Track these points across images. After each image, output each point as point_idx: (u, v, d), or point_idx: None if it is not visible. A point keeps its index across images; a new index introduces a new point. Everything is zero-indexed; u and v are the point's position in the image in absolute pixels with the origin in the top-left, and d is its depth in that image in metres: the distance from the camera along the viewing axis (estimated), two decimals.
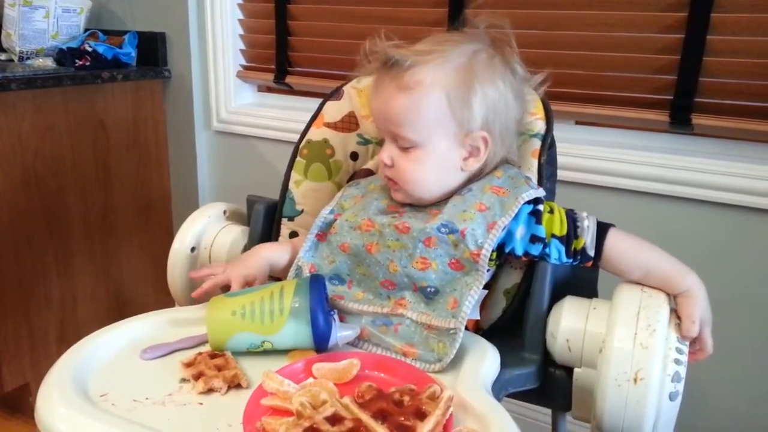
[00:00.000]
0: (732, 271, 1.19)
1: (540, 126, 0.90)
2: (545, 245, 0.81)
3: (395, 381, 0.70)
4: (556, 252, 0.81)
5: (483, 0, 1.37)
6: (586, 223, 0.82)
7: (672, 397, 0.73)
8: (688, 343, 0.76)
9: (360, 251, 0.83)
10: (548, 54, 1.32)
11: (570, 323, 0.81)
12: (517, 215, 0.80)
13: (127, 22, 1.83)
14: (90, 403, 0.67)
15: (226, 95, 1.76)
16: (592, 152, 1.29)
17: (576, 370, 0.81)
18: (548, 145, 0.90)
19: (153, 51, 1.77)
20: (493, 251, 0.79)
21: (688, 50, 1.17)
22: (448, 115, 0.80)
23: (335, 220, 0.88)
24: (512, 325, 0.88)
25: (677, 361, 0.73)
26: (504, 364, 0.78)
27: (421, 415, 0.61)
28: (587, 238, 0.81)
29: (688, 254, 1.21)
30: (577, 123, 1.37)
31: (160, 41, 1.76)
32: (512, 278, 0.87)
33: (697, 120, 1.19)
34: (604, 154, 1.27)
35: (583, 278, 0.87)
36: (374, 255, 0.82)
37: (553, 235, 0.81)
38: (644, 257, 0.81)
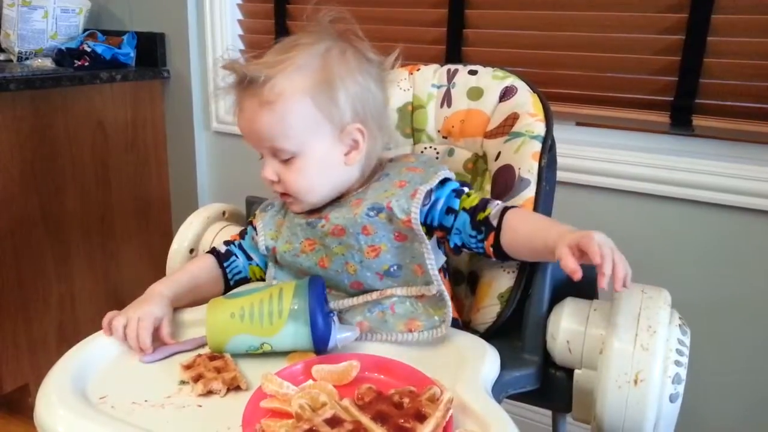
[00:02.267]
0: (732, 272, 1.19)
1: (540, 128, 0.90)
2: (456, 217, 0.82)
3: (395, 383, 0.70)
4: (462, 222, 0.82)
5: (482, 1, 1.37)
6: (497, 202, 0.83)
7: (672, 398, 0.73)
8: (688, 344, 0.75)
9: (316, 271, 0.84)
10: (549, 55, 1.32)
11: (570, 325, 0.81)
12: (441, 189, 0.83)
13: (126, 23, 1.83)
14: (89, 405, 0.66)
15: (225, 96, 1.75)
16: (592, 153, 1.28)
17: (576, 371, 0.81)
18: (548, 147, 0.89)
19: (152, 51, 1.76)
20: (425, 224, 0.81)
21: (688, 51, 1.17)
22: (318, 117, 0.80)
23: (275, 253, 0.88)
24: (512, 327, 0.88)
25: (678, 363, 0.73)
26: (504, 366, 0.77)
27: (421, 417, 0.60)
28: (494, 210, 0.81)
29: (688, 256, 1.22)
30: (577, 124, 1.37)
31: (159, 42, 1.76)
32: (506, 282, 0.87)
33: (698, 121, 1.19)
34: (605, 156, 1.27)
35: (584, 279, 0.86)
36: (329, 268, 0.83)
37: (463, 208, 0.83)
38: (533, 224, 0.80)
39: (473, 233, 0.81)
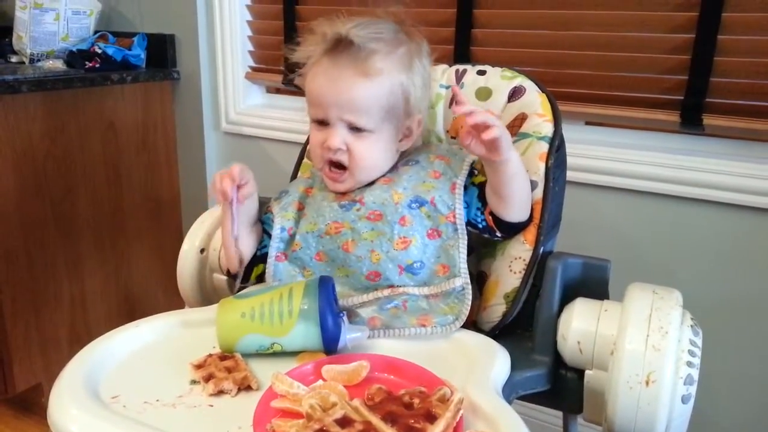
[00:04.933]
0: (744, 272, 1.18)
1: (548, 128, 0.90)
2: (466, 191, 0.86)
3: (405, 383, 0.70)
4: (471, 195, 0.86)
5: (491, 1, 1.37)
6: None
7: (684, 399, 0.72)
8: (700, 345, 0.75)
9: (337, 254, 0.84)
10: (558, 54, 1.31)
11: (581, 325, 0.81)
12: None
13: (137, 24, 1.84)
14: (101, 404, 0.67)
15: (235, 96, 1.76)
16: (602, 153, 1.28)
17: (587, 372, 0.81)
18: (556, 148, 0.89)
19: (162, 53, 1.77)
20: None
21: (698, 50, 1.16)
22: (400, 103, 0.84)
23: (291, 236, 0.88)
24: (522, 328, 0.88)
25: (690, 364, 0.73)
26: (514, 367, 0.77)
27: (431, 418, 0.60)
28: None
29: (698, 255, 1.21)
30: (587, 123, 1.36)
31: (170, 43, 1.77)
32: (512, 282, 0.87)
33: (708, 120, 1.18)
34: (614, 155, 1.27)
35: (594, 280, 0.86)
36: (353, 252, 0.83)
37: (472, 183, 0.87)
38: None
39: (479, 205, 0.86)
